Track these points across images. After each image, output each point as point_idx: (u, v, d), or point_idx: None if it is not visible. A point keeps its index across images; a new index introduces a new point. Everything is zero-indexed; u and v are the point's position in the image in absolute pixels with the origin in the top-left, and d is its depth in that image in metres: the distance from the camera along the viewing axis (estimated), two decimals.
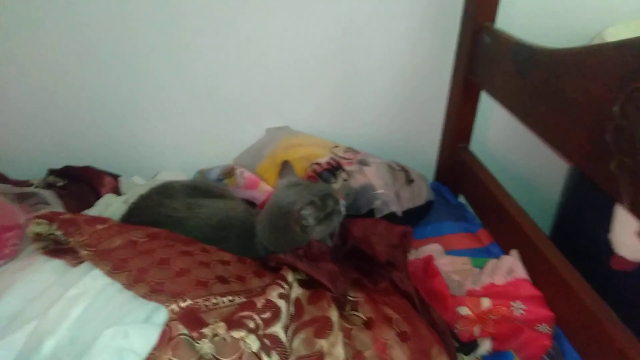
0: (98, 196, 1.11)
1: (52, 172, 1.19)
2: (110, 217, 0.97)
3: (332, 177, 1.07)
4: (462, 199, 1.31)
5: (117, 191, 1.15)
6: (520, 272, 0.95)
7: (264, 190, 1.12)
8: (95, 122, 1.23)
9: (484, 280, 0.95)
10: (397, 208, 1.01)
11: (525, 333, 0.85)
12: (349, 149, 1.16)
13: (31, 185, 1.13)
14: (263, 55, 1.21)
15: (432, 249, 1.06)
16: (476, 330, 0.87)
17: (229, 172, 1.20)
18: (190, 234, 0.86)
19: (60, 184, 1.16)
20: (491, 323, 0.88)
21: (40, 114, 1.19)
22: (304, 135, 1.23)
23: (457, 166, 1.29)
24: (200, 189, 1.00)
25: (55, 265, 0.69)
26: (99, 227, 0.76)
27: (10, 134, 1.21)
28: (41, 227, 0.74)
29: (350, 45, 1.22)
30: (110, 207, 1.05)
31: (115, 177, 1.19)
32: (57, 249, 0.72)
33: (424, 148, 1.39)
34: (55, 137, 1.23)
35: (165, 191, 0.98)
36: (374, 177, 1.04)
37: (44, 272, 0.67)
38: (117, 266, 0.67)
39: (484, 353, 0.86)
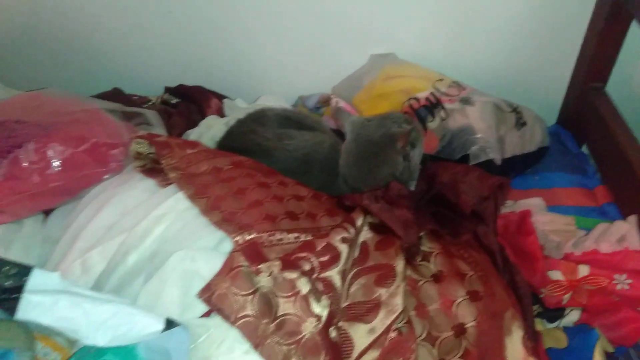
0: (204, 116, 1.18)
1: (167, 89, 1.29)
2: (210, 138, 1.04)
3: (429, 114, 0.99)
4: (585, 149, 1.14)
5: (221, 112, 1.21)
6: (635, 242, 0.82)
7: None
8: (208, 41, 1.28)
9: (587, 246, 0.85)
10: (496, 156, 0.91)
11: (623, 312, 0.76)
12: (455, 83, 1.05)
13: (149, 101, 1.25)
14: None
15: (533, 203, 0.95)
16: (566, 298, 0.80)
17: (326, 101, 1.18)
18: (275, 165, 0.88)
19: (173, 101, 1.26)
20: (585, 293, 0.79)
21: (157, 31, 1.27)
22: (407, 65, 1.14)
23: (587, 109, 1.11)
24: (293, 119, 1.00)
25: (148, 184, 0.76)
26: (189, 151, 0.81)
27: (130, 52, 1.31)
28: (141, 147, 0.81)
29: None
30: (212, 128, 1.11)
31: (221, 98, 1.25)
32: (152, 168, 0.80)
33: (549, 84, 1.21)
34: (171, 54, 1.30)
35: (259, 118, 1.01)
36: (476, 119, 0.94)
37: (137, 190, 0.74)
38: (198, 191, 0.72)
39: (568, 324, 0.79)
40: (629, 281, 0.77)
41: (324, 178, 0.88)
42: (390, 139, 0.85)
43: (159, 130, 0.92)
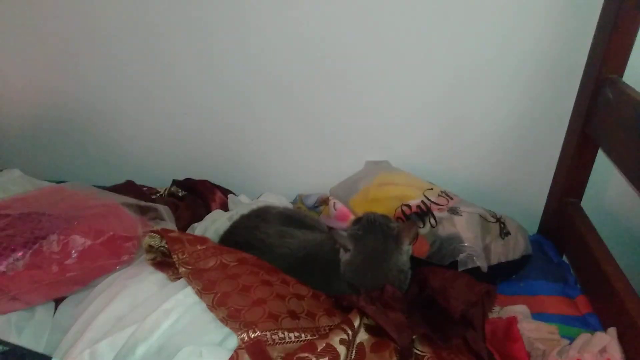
0: (209, 210, 1.25)
1: (175, 182, 1.37)
2: (215, 231, 1.10)
3: (420, 221, 1.07)
4: (566, 259, 1.21)
5: (225, 207, 1.28)
6: (616, 354, 0.87)
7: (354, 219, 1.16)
8: (218, 139, 1.40)
9: (571, 355, 0.88)
10: (482, 263, 0.98)
11: None
12: (444, 193, 1.14)
13: (157, 193, 1.32)
14: (372, 92, 1.26)
15: (518, 310, 1.00)
16: None
17: (324, 201, 1.27)
18: (276, 261, 0.93)
19: (180, 194, 1.33)
20: None
21: (171, 126, 1.39)
22: (400, 173, 1.25)
23: (564, 222, 1.20)
24: (294, 218, 1.08)
25: (158, 278, 0.80)
26: (199, 247, 0.86)
27: (143, 144, 1.42)
28: (154, 241, 0.87)
29: (461, 88, 1.21)
30: (216, 222, 1.18)
31: (226, 193, 1.33)
32: (163, 261, 0.85)
33: (529, 198, 1.31)
34: (181, 149, 1.41)
35: (262, 215, 1.08)
36: (463, 229, 1.02)
37: (148, 283, 0.79)
38: (206, 287, 0.77)
39: None
40: None
41: (324, 279, 0.93)
42: (395, 241, 0.91)
43: (170, 225, 0.99)
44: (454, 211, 1.06)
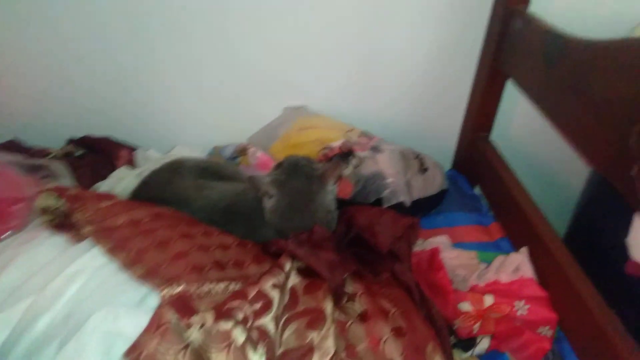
0: (113, 168, 1.13)
1: (71, 141, 1.22)
2: (122, 191, 1.00)
3: (343, 162, 1.05)
4: (478, 190, 1.27)
5: (132, 164, 1.17)
6: (528, 271, 0.93)
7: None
8: (117, 88, 1.24)
9: (489, 277, 0.94)
10: (405, 198, 0.99)
11: (525, 335, 0.84)
12: (364, 134, 1.13)
13: (49, 154, 1.16)
14: (285, 32, 1.19)
15: (440, 241, 1.04)
16: (476, 327, 0.86)
17: (242, 150, 1.20)
18: (196, 215, 0.87)
19: (78, 153, 1.19)
20: (492, 321, 0.86)
21: (61, 74, 1.21)
22: (319, 117, 1.21)
23: (476, 156, 1.25)
24: (211, 170, 1.00)
25: (58, 240, 0.70)
26: (104, 204, 0.77)
27: (31, 101, 1.23)
28: (49, 201, 0.76)
29: (374, 25, 1.18)
30: (123, 180, 1.07)
31: (132, 149, 1.21)
32: (61, 223, 0.74)
33: (443, 135, 1.34)
34: (76, 101, 1.24)
35: (176, 169, 0.99)
36: (385, 165, 1.01)
37: (45, 247, 0.69)
38: (116, 245, 0.68)
39: (481, 352, 0.85)
40: (527, 306, 0.87)
41: (249, 228, 0.89)
42: (320, 182, 0.88)
43: (67, 182, 0.87)
44: (376, 149, 1.06)
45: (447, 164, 1.36)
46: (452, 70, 1.25)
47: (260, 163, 1.13)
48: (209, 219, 0.87)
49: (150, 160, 1.16)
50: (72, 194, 0.75)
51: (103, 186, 1.03)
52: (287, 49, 1.22)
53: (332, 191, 0.90)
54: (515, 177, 1.10)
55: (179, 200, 0.90)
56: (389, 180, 0.99)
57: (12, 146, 1.07)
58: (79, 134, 1.22)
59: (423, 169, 1.12)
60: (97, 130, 1.23)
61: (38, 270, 0.65)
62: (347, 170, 1.03)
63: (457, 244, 1.07)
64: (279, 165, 0.92)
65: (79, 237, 0.71)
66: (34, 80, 1.21)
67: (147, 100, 1.26)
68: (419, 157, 1.13)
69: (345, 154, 1.06)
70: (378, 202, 0.98)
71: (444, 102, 1.29)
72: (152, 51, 1.18)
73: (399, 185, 0.99)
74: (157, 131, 1.28)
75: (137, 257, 0.67)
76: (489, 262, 1.00)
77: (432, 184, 1.14)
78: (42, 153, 1.16)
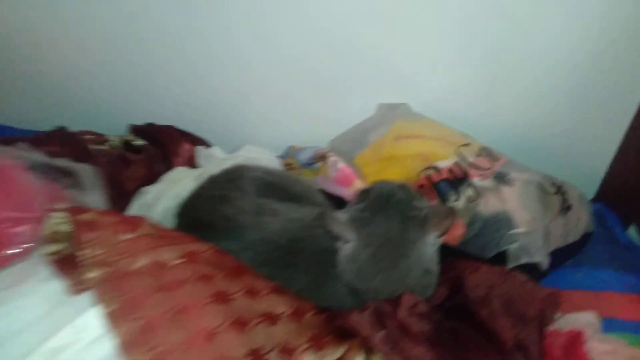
0: (170, 166, 0.96)
1: (133, 128, 1.07)
2: (172, 199, 0.81)
3: (452, 191, 0.77)
4: (634, 232, 0.92)
5: (193, 162, 0.99)
6: None
7: (359, 189, 0.86)
8: (184, 79, 1.07)
9: None
10: (542, 259, 0.68)
11: None
12: (486, 151, 0.83)
13: (107, 141, 1.02)
14: (388, 8, 0.91)
15: (585, 320, 0.72)
16: None
17: (322, 156, 0.96)
18: (247, 252, 0.66)
19: (138, 142, 1.03)
20: None
21: (129, 56, 1.05)
22: (425, 121, 0.92)
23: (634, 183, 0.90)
24: (279, 186, 0.78)
25: (54, 288, 0.52)
26: (125, 236, 0.58)
27: (96, 86, 1.09)
28: (60, 224, 0.58)
29: (513, 7, 0.87)
30: (177, 183, 0.89)
31: (196, 143, 1.03)
32: (69, 258, 0.56)
33: (591, 155, 1.00)
34: (143, 85, 1.09)
35: (235, 180, 0.78)
36: (515, 205, 0.72)
37: (35, 298, 0.51)
38: (123, 308, 0.49)
39: None
40: None
41: (314, 276, 0.65)
42: (421, 228, 0.62)
43: (92, 197, 0.69)
44: (501, 178, 0.76)
45: (589, 193, 1.02)
46: (622, 73, 0.89)
47: (341, 177, 0.89)
48: (264, 258, 0.66)
49: (214, 160, 0.97)
50: (86, 220, 0.57)
51: (152, 190, 0.86)
52: (388, 22, 0.92)
53: (435, 244, 0.63)
54: None
55: (231, 227, 0.69)
56: (521, 230, 0.69)
57: (58, 135, 0.92)
58: (142, 121, 1.07)
59: (565, 208, 0.80)
60: (163, 119, 1.06)
61: (15, 334, 0.47)
62: (459, 204, 0.75)
63: (605, 321, 0.75)
64: (365, 195, 0.67)
65: (80, 286, 0.52)
66: (101, 60, 1.07)
67: (220, 87, 1.05)
68: (561, 190, 0.81)
69: (457, 181, 0.77)
70: (499, 257, 0.69)
71: (604, 114, 0.94)
72: (230, 32, 0.97)
73: (534, 238, 0.68)
74: (227, 125, 1.09)
75: (144, 334, 0.46)
76: None
77: (574, 227, 0.83)
78: (98, 139, 1.01)
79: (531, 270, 0.69)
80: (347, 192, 0.87)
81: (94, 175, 0.72)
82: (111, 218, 0.59)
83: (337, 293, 0.64)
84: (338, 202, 0.87)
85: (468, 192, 0.75)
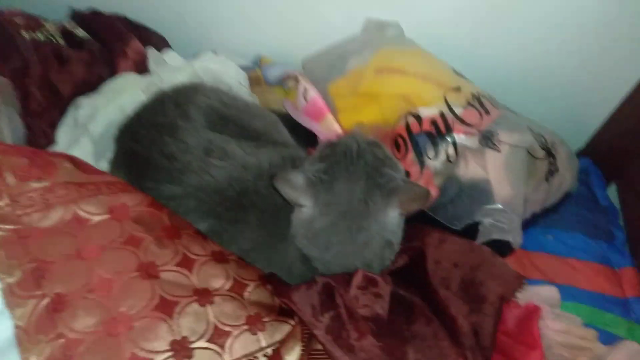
0: (115, 67, 0.82)
1: (75, 15, 0.90)
2: (119, 111, 0.70)
3: (431, 146, 0.67)
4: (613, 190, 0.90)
5: (142, 65, 0.84)
6: None
7: (330, 126, 0.76)
8: None
9: None
10: (516, 239, 0.63)
11: None
12: (478, 100, 0.71)
13: (41, 27, 0.85)
14: None
15: (545, 295, 0.69)
16: None
17: (291, 78, 0.84)
18: (188, 201, 0.58)
19: (79, 35, 0.87)
20: None
21: None
22: (415, 51, 0.79)
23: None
24: (237, 121, 0.66)
25: None
26: (37, 184, 0.48)
27: None
28: None
29: None
30: (122, 94, 0.76)
31: (149, 39, 0.88)
32: None
33: (591, 102, 0.91)
34: None
35: (184, 104, 0.66)
36: (499, 176, 0.63)
37: None
38: (28, 281, 0.41)
39: None
40: None
41: (264, 236, 0.58)
42: (387, 197, 0.55)
43: (4, 120, 0.57)
44: (489, 138, 0.66)
45: (579, 142, 0.96)
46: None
47: (312, 109, 0.78)
48: (210, 209, 0.58)
49: (167, 67, 0.83)
50: None
51: (86, 104, 0.74)
52: None
53: (399, 218, 0.56)
54: None
55: (171, 168, 0.60)
56: (497, 205, 0.62)
57: None
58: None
59: (552, 171, 0.73)
60: (114, 6, 0.89)
61: None
62: (436, 163, 0.66)
63: (564, 287, 0.73)
64: (329, 150, 0.57)
65: None
66: None
67: None
68: (550, 152, 0.72)
69: (438, 135, 0.67)
70: (469, 229, 0.63)
71: (612, 65, 0.84)
72: None
73: (511, 218, 0.62)
74: (189, 23, 0.92)
75: (49, 317, 0.40)
76: (608, 334, 0.69)
77: (556, 191, 0.77)
78: (33, 24, 0.85)
79: (501, 245, 0.63)
80: (317, 127, 0.77)
81: (9, 91, 0.58)
82: (18, 159, 0.49)
83: (287, 257, 0.58)
84: (307, 135, 0.77)
85: (447, 149, 0.66)
